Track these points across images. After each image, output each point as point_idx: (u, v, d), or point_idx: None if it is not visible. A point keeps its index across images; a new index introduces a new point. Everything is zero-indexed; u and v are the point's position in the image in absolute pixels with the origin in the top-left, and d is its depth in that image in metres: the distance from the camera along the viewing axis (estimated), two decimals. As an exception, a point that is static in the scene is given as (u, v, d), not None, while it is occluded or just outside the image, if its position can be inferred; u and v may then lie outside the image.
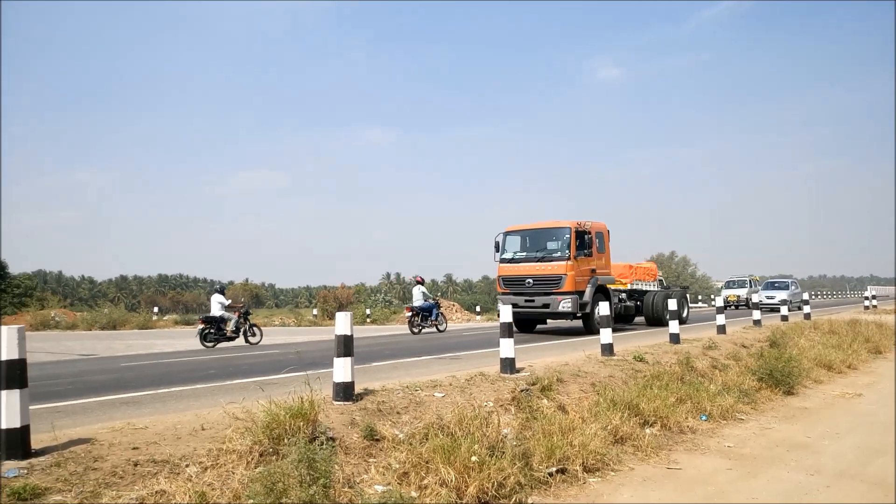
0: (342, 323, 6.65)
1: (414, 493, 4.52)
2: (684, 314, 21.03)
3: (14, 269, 44.35)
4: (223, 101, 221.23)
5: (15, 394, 4.38)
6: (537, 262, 16.50)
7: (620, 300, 18.88)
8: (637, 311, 19.89)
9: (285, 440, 4.62)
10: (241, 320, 16.47)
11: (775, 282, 35.52)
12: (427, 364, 10.30)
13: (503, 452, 5.18)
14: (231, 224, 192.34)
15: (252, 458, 4.55)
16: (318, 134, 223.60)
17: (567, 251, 16.02)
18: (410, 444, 5.19)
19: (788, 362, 10.26)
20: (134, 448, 4.65)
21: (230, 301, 17.29)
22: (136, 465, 4.34)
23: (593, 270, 16.53)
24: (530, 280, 16.46)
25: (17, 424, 4.36)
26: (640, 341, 12.80)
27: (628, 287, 20.23)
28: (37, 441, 4.54)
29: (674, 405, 7.66)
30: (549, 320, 18.41)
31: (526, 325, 18.52)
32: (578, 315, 16.27)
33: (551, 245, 16.56)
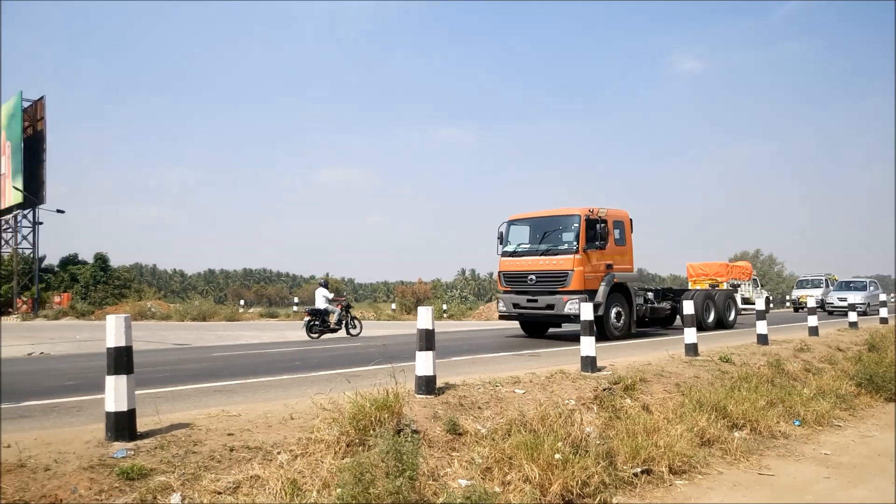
0: (424, 317, 6.73)
1: (497, 489, 4.54)
2: (730, 317, 18.72)
3: (114, 262, 47.09)
4: (308, 98, 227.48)
5: (122, 379, 4.66)
6: (541, 255, 14.27)
7: (647, 301, 16.27)
8: (674, 312, 17.40)
9: (371, 432, 4.72)
10: (344, 313, 17.32)
11: (851, 282, 32.40)
12: (506, 360, 10.29)
13: (587, 451, 5.14)
14: (312, 220, 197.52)
15: (339, 449, 4.68)
16: (395, 130, 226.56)
17: (575, 243, 13.73)
18: (493, 440, 5.21)
19: (890, 367, 9.69)
20: (229, 434, 4.86)
21: (333, 294, 18.08)
22: (231, 450, 4.55)
23: (609, 266, 14.20)
24: (532, 277, 14.29)
25: (125, 408, 4.64)
26: (725, 342, 12.37)
27: (655, 287, 18.25)
28: (141, 424, 4.81)
29: (764, 408, 7.37)
30: (562, 324, 15.88)
31: (534, 327, 16.17)
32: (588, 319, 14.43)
33: (557, 236, 14.31)
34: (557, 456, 4.80)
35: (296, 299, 47.73)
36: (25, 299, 38.21)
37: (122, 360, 4.71)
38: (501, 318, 15.47)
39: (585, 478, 4.76)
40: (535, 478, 4.63)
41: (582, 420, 5.93)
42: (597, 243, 13.78)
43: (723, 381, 8.36)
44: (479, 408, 6.20)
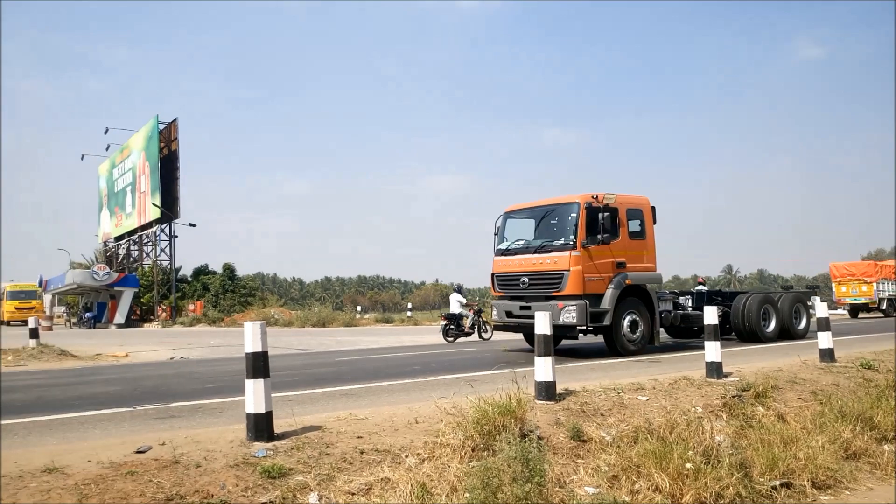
0: (542, 323, 6.71)
1: (626, 498, 4.45)
2: (800, 325, 15.26)
3: (240, 271, 50.03)
4: (411, 106, 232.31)
5: (260, 383, 4.96)
6: (534, 253, 11.83)
7: (678, 306, 13.69)
8: (724, 319, 14.16)
9: (497, 437, 4.75)
10: (476, 317, 17.80)
11: None
12: (626, 366, 10.04)
13: (719, 461, 4.92)
14: (420, 227, 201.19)
15: (465, 453, 4.74)
16: (498, 135, 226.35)
17: (572, 237, 11.22)
18: (619, 447, 5.10)
19: None
20: (358, 437, 5.05)
21: (467, 300, 18.63)
22: (361, 452, 4.72)
23: (620, 265, 11.55)
24: (525, 279, 11.88)
25: (263, 410, 4.93)
26: (865, 347, 11.46)
27: (698, 290, 15.58)
28: (277, 426, 5.09)
29: (918, 420, 6.76)
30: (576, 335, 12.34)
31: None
32: (590, 329, 11.19)
33: (554, 230, 11.91)
34: (688, 465, 4.63)
35: (409, 305, 48.78)
36: (165, 307, 41.35)
37: (259, 365, 5.01)
38: (496, 328, 13.31)
39: (719, 489, 4.56)
40: (665, 487, 4.49)
41: (712, 428, 5.68)
42: (600, 237, 11.25)
43: (867, 390, 7.76)
44: (602, 414, 6.10)
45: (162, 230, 42.67)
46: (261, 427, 4.90)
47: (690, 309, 14.06)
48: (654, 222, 12.47)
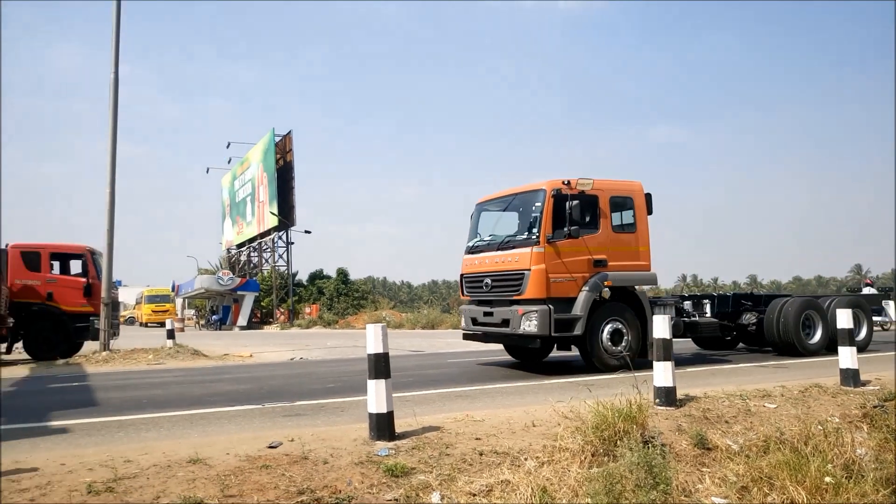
0: (660, 326, 6.52)
1: (758, 510, 4.23)
2: (858, 337, 12.07)
3: (352, 275, 51.77)
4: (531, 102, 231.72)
5: (382, 383, 5.13)
6: (497, 250, 10.38)
7: (682, 312, 11.37)
8: (759, 327, 12.11)
9: (620, 442, 4.66)
10: None
11: None
12: (748, 372, 9.56)
13: (862, 476, 4.58)
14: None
15: (585, 458, 4.67)
16: (606, 133, 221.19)
17: (536, 231, 9.66)
18: (747, 457, 4.86)
19: None
20: (477, 438, 5.11)
21: None
22: (481, 454, 4.76)
23: (599, 263, 9.83)
24: (488, 280, 10.42)
25: (384, 410, 5.08)
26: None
27: (717, 293, 13.17)
28: (396, 426, 5.23)
29: None
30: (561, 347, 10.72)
31: (525, 351, 11.65)
32: (554, 338, 9.48)
33: (518, 222, 10.43)
34: (828, 479, 4.34)
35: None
36: (283, 310, 43.46)
37: (380, 366, 5.18)
38: (464, 337, 11.80)
39: (864, 506, 4.25)
40: (802, 501, 4.23)
41: (853, 440, 5.29)
42: (567, 229, 9.50)
43: None
44: (727, 422, 5.84)
45: (279, 237, 44.87)
46: (382, 426, 5.06)
47: (697, 316, 11.67)
48: (650, 212, 10.55)
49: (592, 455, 4.72)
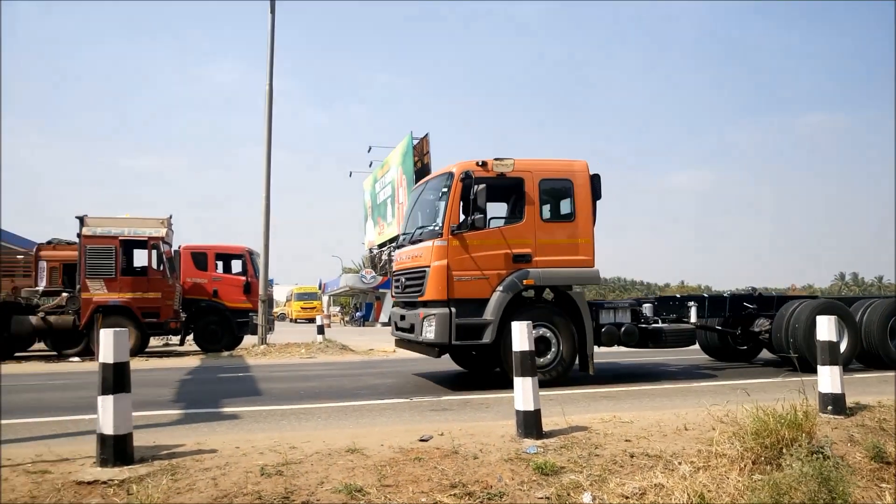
0: (824, 328, 6.08)
1: (952, 533, 3.81)
2: None
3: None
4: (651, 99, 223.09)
5: (528, 381, 5.13)
6: (410, 243, 9.17)
7: (639, 316, 9.45)
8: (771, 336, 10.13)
9: (781, 451, 4.37)
10: None
11: None
12: (691, 393, 8.60)
13: None
14: (664, 226, 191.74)
15: (744, 465, 4.43)
16: (746, 127, 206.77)
17: (439, 221, 8.36)
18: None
19: None
20: (626, 440, 4.99)
21: None
22: (631, 456, 4.65)
23: (520, 258, 8.37)
24: (402, 279, 9.23)
25: (532, 408, 5.09)
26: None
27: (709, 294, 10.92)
28: (543, 424, 5.22)
29: None
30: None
31: (466, 359, 10.05)
32: (455, 346, 8.22)
33: (428, 210, 9.07)
34: None
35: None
36: (421, 308, 44.61)
37: (527, 364, 5.20)
38: (396, 344, 10.30)
39: None
40: None
41: None
42: (471, 218, 8.09)
43: None
44: (907, 434, 5.30)
45: (418, 237, 46.03)
46: (530, 424, 5.07)
47: (660, 321, 9.56)
48: (598, 198, 8.96)
49: (753, 462, 4.47)
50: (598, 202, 8.98)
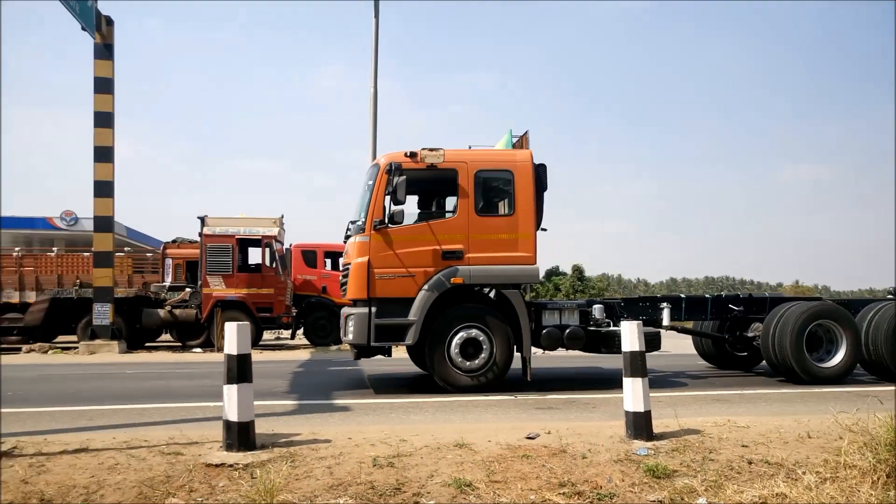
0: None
1: None
2: (833, 360, 8.66)
3: (589, 272, 51.43)
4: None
5: (639, 381, 5.03)
6: (345, 239, 8.78)
7: (588, 318, 8.55)
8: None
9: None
10: None
11: None
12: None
13: None
14: (779, 222, 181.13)
15: (877, 478, 4.13)
16: (860, 120, 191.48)
17: (363, 216, 8.00)
18: None
19: None
20: (743, 446, 4.78)
21: None
22: (749, 462, 4.45)
23: (450, 254, 7.86)
24: (342, 276, 8.96)
25: (642, 409, 4.98)
26: None
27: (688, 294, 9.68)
28: (654, 426, 5.09)
29: None
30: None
31: (422, 355, 9.01)
32: (374, 348, 7.91)
33: (360, 204, 8.48)
34: None
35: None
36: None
37: (637, 364, 5.09)
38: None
39: None
40: None
41: None
42: (391, 213, 7.76)
43: None
44: None
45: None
46: (639, 425, 4.96)
47: (611, 324, 8.56)
48: (544, 188, 8.52)
49: (887, 476, 4.16)
50: (544, 194, 8.59)
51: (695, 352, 11.17)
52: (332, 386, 8.57)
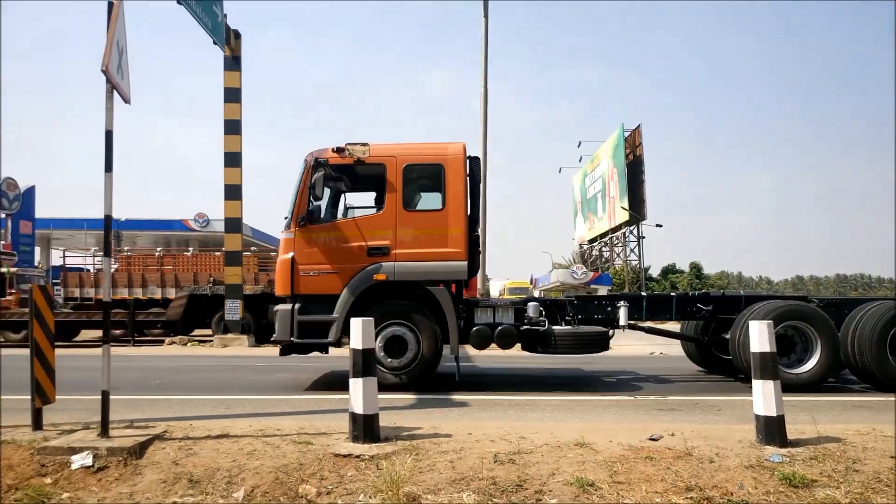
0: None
1: None
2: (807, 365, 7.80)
3: (707, 270, 49.23)
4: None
5: (770, 384, 4.77)
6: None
7: (523, 317, 8.21)
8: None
9: None
10: None
11: None
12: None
13: None
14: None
15: None
16: None
17: (289, 212, 7.91)
18: None
19: None
20: (892, 457, 4.43)
21: None
22: (901, 474, 4.12)
23: (376, 250, 7.73)
24: None
25: (774, 413, 4.71)
26: None
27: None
28: (788, 432, 4.81)
29: None
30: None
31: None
32: (296, 344, 7.75)
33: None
34: None
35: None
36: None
37: (768, 366, 4.83)
38: None
39: None
40: None
41: None
42: (309, 209, 7.72)
43: None
44: None
45: (630, 231, 44.69)
46: (772, 431, 4.70)
47: (541, 321, 8.24)
48: (477, 182, 8.37)
49: None
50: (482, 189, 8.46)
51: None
52: (449, 381, 8.70)
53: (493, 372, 10.33)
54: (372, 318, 5.08)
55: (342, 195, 8.88)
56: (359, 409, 4.74)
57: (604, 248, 50.93)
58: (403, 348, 7.72)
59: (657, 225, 43.95)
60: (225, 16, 14.75)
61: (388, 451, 4.51)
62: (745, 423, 5.20)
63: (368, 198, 8.91)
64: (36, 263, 32.22)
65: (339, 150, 7.82)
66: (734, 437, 4.88)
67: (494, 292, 59.76)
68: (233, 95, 15.37)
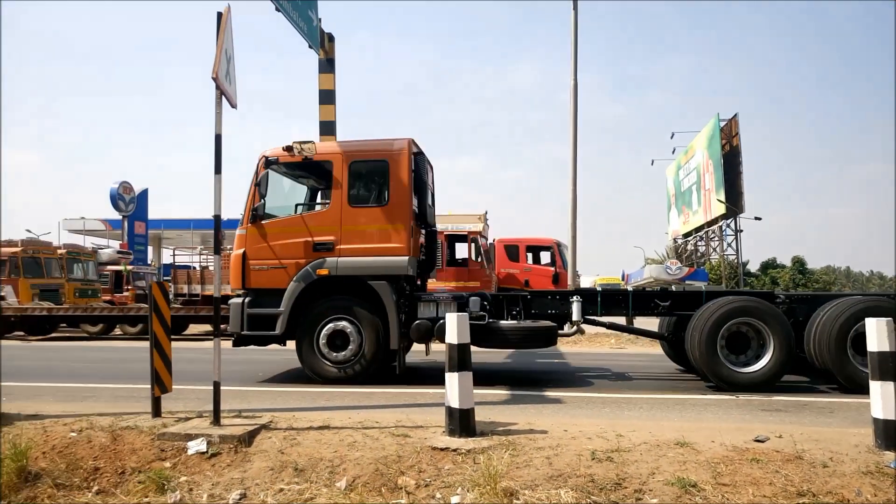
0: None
1: None
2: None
3: (811, 264, 46.57)
4: None
5: (890, 385, 4.49)
6: None
7: (476, 315, 7.85)
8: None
9: None
10: None
11: None
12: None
13: None
14: None
15: None
16: None
17: (243, 209, 8.18)
18: None
19: None
20: None
21: None
22: None
23: (321, 246, 7.90)
24: None
25: (894, 417, 4.44)
26: None
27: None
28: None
29: None
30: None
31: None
32: (248, 336, 7.97)
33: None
34: None
35: None
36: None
37: (886, 367, 4.54)
38: None
39: None
40: None
41: None
42: (262, 205, 7.97)
43: None
44: None
45: (727, 225, 42.85)
46: (891, 435, 4.44)
47: (493, 317, 8.03)
48: (423, 178, 8.42)
49: None
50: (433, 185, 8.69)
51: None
52: (542, 377, 8.69)
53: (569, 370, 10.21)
54: (466, 314, 5.13)
55: (294, 192, 9.16)
56: (455, 403, 4.80)
57: (699, 243, 49.07)
58: (346, 343, 7.87)
59: (756, 217, 41.82)
60: (319, 20, 15.23)
61: (484, 445, 4.56)
62: (860, 426, 4.92)
63: (325, 195, 9.17)
64: (149, 262, 34.43)
65: (287, 149, 8.04)
66: (849, 441, 4.63)
67: (585, 288, 58.91)
68: (327, 97, 15.85)
